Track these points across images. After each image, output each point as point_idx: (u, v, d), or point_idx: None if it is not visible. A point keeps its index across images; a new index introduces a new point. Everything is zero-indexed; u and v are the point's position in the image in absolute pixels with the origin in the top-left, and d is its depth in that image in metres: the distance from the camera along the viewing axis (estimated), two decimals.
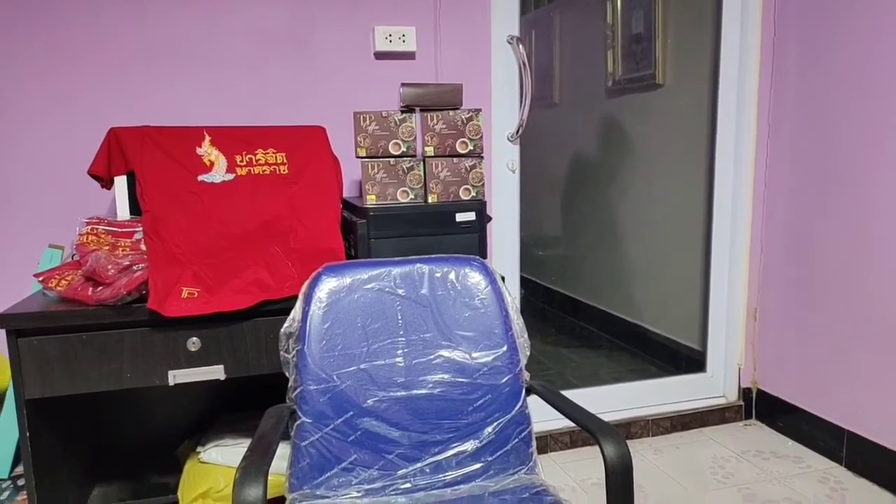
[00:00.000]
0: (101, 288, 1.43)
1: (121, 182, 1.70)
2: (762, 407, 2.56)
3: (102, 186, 1.73)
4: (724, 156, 2.55)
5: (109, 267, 1.45)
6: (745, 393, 2.59)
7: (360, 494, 1.28)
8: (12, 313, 1.39)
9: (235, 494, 0.97)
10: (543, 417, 2.07)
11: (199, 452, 1.74)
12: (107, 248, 1.58)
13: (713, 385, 2.62)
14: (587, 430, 1.18)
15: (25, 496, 1.55)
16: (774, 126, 2.44)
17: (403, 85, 1.74)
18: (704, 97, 2.60)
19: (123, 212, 1.70)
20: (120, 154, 1.68)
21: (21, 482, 1.65)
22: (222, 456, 1.71)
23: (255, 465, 1.04)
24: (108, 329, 1.44)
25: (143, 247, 1.59)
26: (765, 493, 2.07)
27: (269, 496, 1.03)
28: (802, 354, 2.36)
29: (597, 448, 1.12)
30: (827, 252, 2.23)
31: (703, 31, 2.57)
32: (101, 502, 1.70)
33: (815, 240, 2.28)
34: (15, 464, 1.69)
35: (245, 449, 1.70)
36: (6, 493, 1.61)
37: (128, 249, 1.59)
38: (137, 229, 1.63)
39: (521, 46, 2.21)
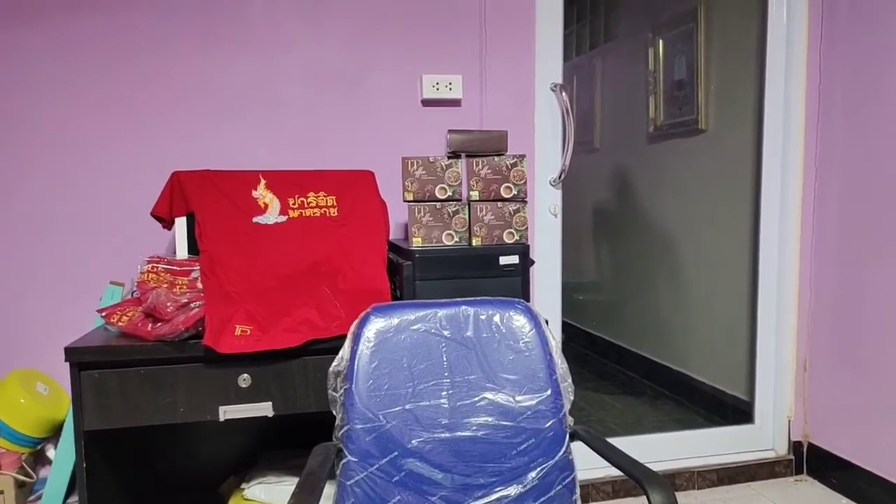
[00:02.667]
0: (160, 324, 1.50)
1: (181, 223, 1.78)
2: (814, 462, 2.47)
3: (163, 227, 1.82)
4: (770, 201, 2.52)
5: (169, 304, 1.51)
6: (795, 446, 2.50)
7: None
8: (77, 346, 1.46)
9: None
10: (585, 466, 2.04)
11: (243, 489, 1.76)
12: (166, 285, 1.65)
13: (762, 437, 2.54)
14: (633, 478, 1.16)
15: None
16: (822, 171, 2.41)
17: (450, 132, 1.79)
18: (748, 142, 2.59)
19: (182, 251, 1.78)
20: (181, 196, 1.77)
21: None
22: (265, 493, 1.73)
23: (303, 502, 1.06)
24: (165, 364, 1.50)
25: (199, 285, 1.65)
26: None
27: None
28: (856, 407, 2.27)
29: (640, 499, 1.10)
30: (880, 301, 2.17)
31: (747, 76, 2.59)
32: None
33: (866, 288, 2.22)
34: (68, 495, 1.74)
35: (287, 487, 1.73)
36: None
37: (185, 287, 1.66)
38: (195, 268, 1.70)
39: (564, 94, 2.26)
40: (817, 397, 2.45)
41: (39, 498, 1.75)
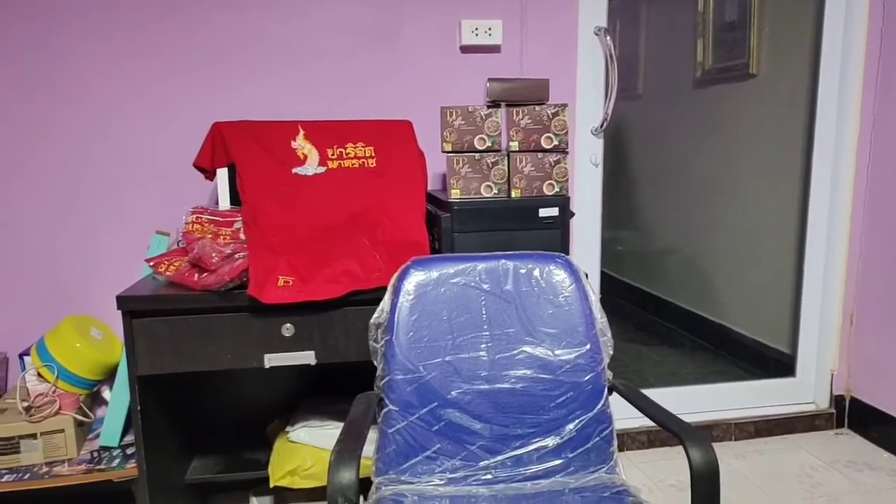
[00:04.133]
0: (205, 274, 1.53)
1: (222, 174, 1.80)
2: (855, 416, 2.44)
3: (206, 178, 1.84)
4: (823, 149, 2.42)
5: (213, 255, 1.54)
6: (837, 400, 2.48)
7: (442, 482, 1.32)
8: (128, 295, 1.51)
9: (331, 476, 1.03)
10: (621, 415, 2.06)
11: (287, 432, 1.83)
12: (209, 236, 1.68)
13: (803, 391, 2.52)
14: (673, 433, 1.17)
15: (135, 464, 1.69)
16: (880, 119, 2.29)
17: (490, 80, 1.75)
18: (803, 88, 2.47)
19: (224, 202, 1.81)
20: (223, 147, 1.78)
21: (130, 451, 1.79)
22: (310, 436, 1.79)
23: (348, 449, 1.09)
24: (211, 313, 1.54)
25: (242, 236, 1.68)
26: None
27: None
28: None
29: (675, 449, 1.11)
30: None
31: (803, 17, 2.44)
32: (199, 472, 1.82)
33: None
34: (124, 434, 1.84)
35: (330, 431, 1.79)
36: (117, 461, 1.76)
37: (229, 238, 1.69)
38: (237, 219, 1.72)
39: (608, 38, 2.18)
40: (862, 351, 2.40)
41: (98, 436, 1.85)
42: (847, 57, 2.33)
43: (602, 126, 2.24)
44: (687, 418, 2.38)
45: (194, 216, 1.72)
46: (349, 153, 1.85)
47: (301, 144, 1.83)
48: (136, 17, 1.95)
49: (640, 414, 1.29)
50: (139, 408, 1.55)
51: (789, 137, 2.54)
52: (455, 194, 1.75)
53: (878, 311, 2.32)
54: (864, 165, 2.35)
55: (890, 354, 2.27)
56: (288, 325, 1.57)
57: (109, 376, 1.91)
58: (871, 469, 2.19)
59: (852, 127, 2.35)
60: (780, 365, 2.57)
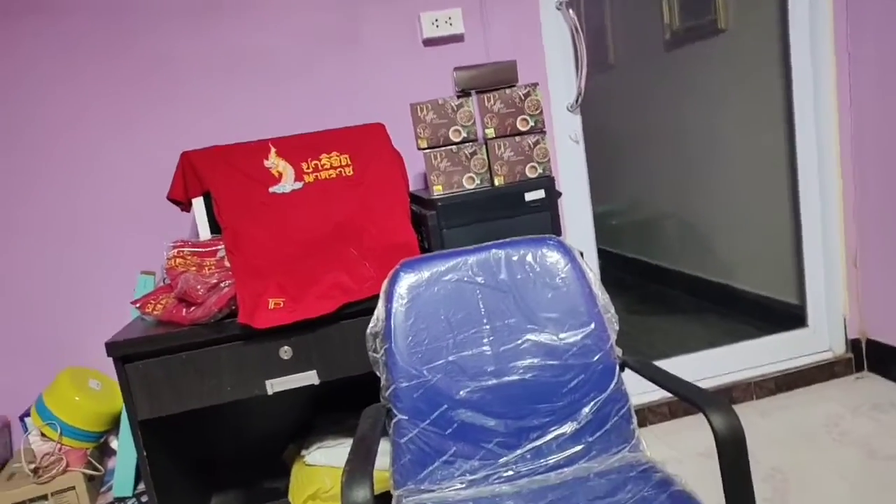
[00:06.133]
0: (193, 308, 1.49)
1: (198, 203, 1.76)
2: (874, 357, 2.40)
3: (182, 210, 1.80)
4: (802, 93, 2.38)
5: (199, 287, 1.50)
6: (853, 344, 2.44)
7: (463, 486, 1.28)
8: (117, 341, 1.47)
9: (344, 498, 0.99)
10: (638, 391, 2.02)
11: (303, 456, 1.79)
12: (194, 268, 1.64)
13: (817, 340, 2.48)
14: (691, 402, 1.12)
15: None
16: (855, 51, 2.25)
17: (456, 69, 1.71)
18: (773, 37, 2.43)
19: (204, 232, 1.76)
20: (194, 176, 1.74)
21: (145, 499, 1.75)
22: (326, 457, 1.76)
23: (358, 468, 1.05)
24: (206, 346, 1.50)
25: (227, 263, 1.64)
26: (889, 447, 1.94)
27: (375, 493, 1.04)
28: None
29: (698, 417, 1.07)
30: None
31: None
32: None
33: None
34: (137, 482, 1.79)
35: (346, 448, 1.74)
36: None
37: (213, 267, 1.65)
38: (220, 247, 1.68)
39: (571, 11, 2.14)
40: (871, 292, 2.36)
41: (111, 488, 1.80)
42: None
43: (577, 101, 2.20)
44: (705, 383, 2.36)
45: (175, 250, 1.67)
46: (325, 164, 1.81)
47: (274, 162, 1.79)
48: (93, 55, 1.91)
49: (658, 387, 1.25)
50: (145, 454, 1.51)
51: (767, 87, 2.50)
52: (438, 190, 1.71)
53: (880, 249, 2.28)
54: (846, 99, 2.31)
55: None
56: (285, 347, 1.53)
57: (114, 425, 1.87)
58: None
59: (828, 67, 2.31)
60: (791, 317, 2.53)
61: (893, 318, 2.29)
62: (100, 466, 1.82)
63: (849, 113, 2.32)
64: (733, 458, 1.04)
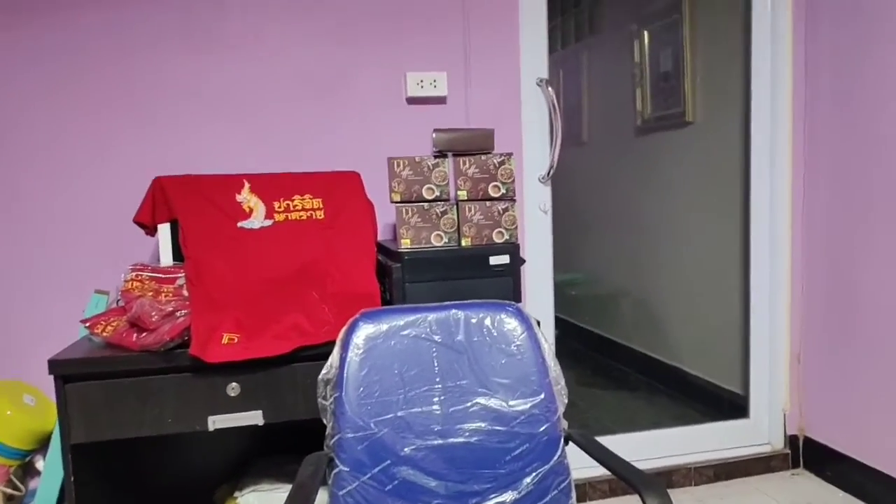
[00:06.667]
0: (145, 334, 1.47)
1: (164, 229, 1.75)
2: (810, 455, 2.46)
3: (147, 233, 1.79)
4: (759, 193, 2.52)
5: (153, 313, 1.48)
6: (791, 440, 2.50)
7: None
8: (61, 359, 1.43)
9: None
10: (582, 464, 2.03)
11: (235, 497, 1.74)
12: (150, 294, 1.62)
13: (757, 432, 2.54)
14: (629, 483, 1.15)
15: None
16: (810, 161, 2.40)
17: (436, 130, 1.77)
18: (736, 133, 2.58)
19: (167, 258, 1.75)
20: (164, 202, 1.74)
21: None
22: (259, 501, 1.71)
23: None
24: (152, 374, 1.47)
25: (185, 292, 1.63)
26: None
27: None
28: (850, 399, 2.27)
29: (637, 497, 1.09)
30: (872, 291, 2.17)
31: (733, 67, 2.57)
32: None
33: (858, 279, 2.22)
34: None
35: (281, 494, 1.71)
36: None
37: (171, 295, 1.63)
38: (180, 275, 1.67)
39: (550, 89, 2.24)
40: (811, 390, 2.45)
41: None
42: (775, 102, 2.45)
43: (549, 173, 2.28)
44: (646, 464, 2.38)
45: (134, 273, 1.66)
46: (297, 205, 1.83)
47: (246, 198, 1.80)
48: (76, 68, 1.91)
49: None
50: (72, 478, 1.45)
51: (728, 182, 2.63)
52: (405, 244, 1.74)
53: (823, 349, 2.38)
54: (799, 207, 2.44)
55: (838, 392, 2.32)
56: (233, 384, 1.51)
57: (43, 445, 1.79)
58: None
59: (785, 170, 2.45)
60: (735, 406, 2.59)
61: (830, 418, 2.37)
62: (21, 486, 1.74)
63: (801, 218, 2.45)
64: None
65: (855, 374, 2.25)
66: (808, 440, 2.47)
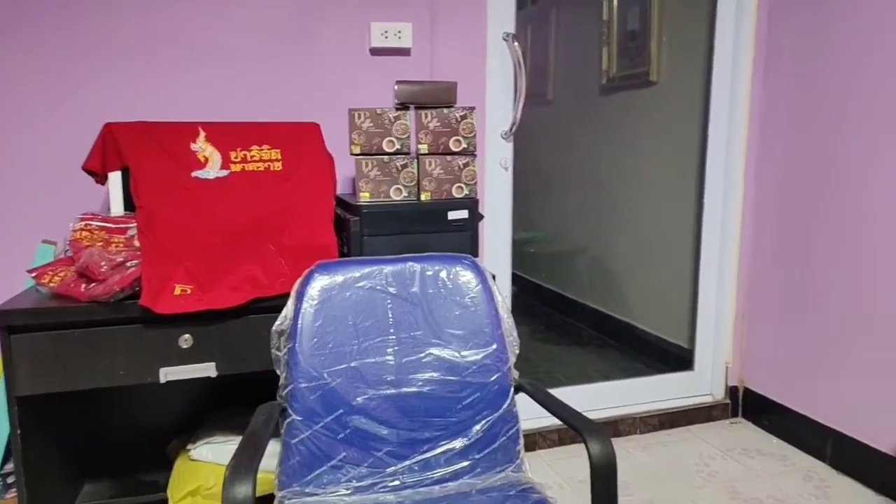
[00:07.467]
0: (93, 284, 1.44)
1: (115, 178, 1.70)
2: (749, 405, 2.59)
3: (97, 182, 1.73)
4: (716, 154, 2.57)
5: (103, 263, 1.45)
6: (731, 391, 2.63)
7: (349, 492, 1.29)
8: (5, 309, 1.40)
9: (225, 492, 0.99)
10: (532, 415, 2.09)
11: (189, 450, 1.75)
12: (100, 244, 1.58)
13: (701, 383, 2.65)
14: (573, 428, 1.19)
15: (15, 493, 1.56)
16: (766, 125, 2.46)
17: (398, 82, 1.74)
18: (697, 95, 2.61)
19: (117, 207, 1.70)
20: (115, 149, 1.68)
21: (11, 479, 1.65)
22: (212, 453, 1.72)
23: (244, 463, 1.05)
24: (101, 326, 1.45)
25: (136, 243, 1.59)
26: (749, 490, 2.10)
27: (258, 494, 1.04)
28: (789, 354, 2.39)
29: (584, 447, 1.13)
30: (815, 253, 2.26)
31: (698, 28, 2.59)
32: (91, 499, 1.71)
33: (803, 241, 2.31)
34: (5, 460, 1.69)
35: (234, 446, 1.72)
36: None
37: (121, 245, 1.59)
38: (131, 225, 1.63)
39: (516, 44, 2.22)
40: (753, 345, 2.56)
41: None
42: (737, 64, 2.49)
43: (511, 130, 2.28)
44: (595, 415, 2.47)
45: (83, 223, 1.61)
46: (254, 156, 1.79)
47: (202, 147, 1.75)
48: (18, 14, 1.81)
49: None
50: (19, 432, 1.43)
51: (687, 143, 2.67)
52: (364, 197, 1.73)
53: (767, 306, 2.48)
54: (752, 168, 2.51)
55: (778, 347, 2.44)
56: (186, 336, 1.50)
57: None
58: (763, 455, 2.33)
59: (741, 131, 2.50)
60: (681, 360, 2.70)
61: (770, 371, 2.49)
62: None
63: (753, 181, 2.52)
64: (604, 484, 1.11)
65: (794, 332, 2.36)
66: (747, 391, 2.59)
